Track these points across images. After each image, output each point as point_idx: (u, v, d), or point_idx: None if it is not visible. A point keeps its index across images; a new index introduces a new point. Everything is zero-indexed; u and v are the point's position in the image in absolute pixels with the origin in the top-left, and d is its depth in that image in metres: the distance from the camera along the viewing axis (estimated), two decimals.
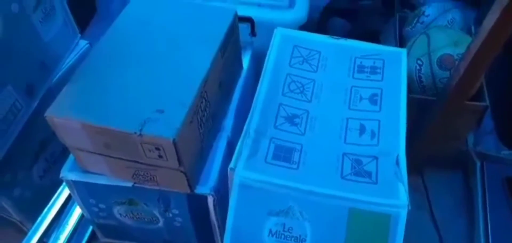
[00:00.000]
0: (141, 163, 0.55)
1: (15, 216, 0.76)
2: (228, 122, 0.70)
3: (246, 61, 0.80)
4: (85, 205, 0.67)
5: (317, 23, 1.23)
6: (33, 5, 0.63)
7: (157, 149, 0.51)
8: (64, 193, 0.75)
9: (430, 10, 0.92)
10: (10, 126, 0.63)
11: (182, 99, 0.53)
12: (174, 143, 0.50)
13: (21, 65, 0.63)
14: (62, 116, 0.51)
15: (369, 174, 0.57)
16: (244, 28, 0.81)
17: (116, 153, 0.54)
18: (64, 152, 0.82)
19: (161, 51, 0.60)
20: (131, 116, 0.51)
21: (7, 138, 0.63)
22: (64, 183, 0.76)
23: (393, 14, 1.11)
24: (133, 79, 0.56)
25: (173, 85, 0.55)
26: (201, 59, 0.59)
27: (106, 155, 0.55)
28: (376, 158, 0.59)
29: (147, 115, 0.51)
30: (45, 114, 0.51)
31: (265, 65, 0.69)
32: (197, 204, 0.63)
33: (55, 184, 0.77)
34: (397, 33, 0.96)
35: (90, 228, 0.78)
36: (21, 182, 0.73)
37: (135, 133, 0.49)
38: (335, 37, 0.74)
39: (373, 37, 1.14)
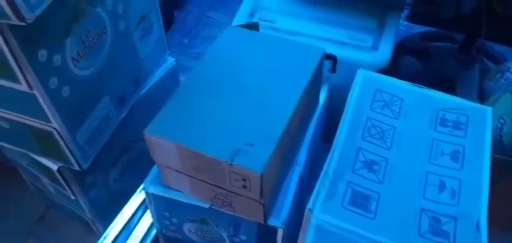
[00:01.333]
0: (224, 189, 0.57)
1: (88, 215, 0.80)
2: (302, 157, 0.71)
3: (322, 96, 0.80)
4: (158, 217, 0.69)
5: None
6: (136, 22, 0.68)
7: (244, 179, 0.53)
8: (136, 200, 0.78)
9: None
10: (101, 134, 0.67)
11: (270, 134, 0.55)
12: (261, 177, 0.51)
13: (118, 78, 0.67)
14: (159, 136, 0.54)
15: (446, 235, 0.55)
16: (325, 63, 0.82)
17: (202, 176, 0.57)
18: (138, 160, 0.86)
19: (251, 84, 0.62)
20: (223, 145, 0.53)
21: (98, 144, 0.67)
22: (137, 191, 0.80)
23: (471, 62, 1.08)
24: (225, 109, 0.58)
25: (262, 119, 0.57)
26: (289, 95, 0.60)
27: (192, 176, 0.58)
28: (455, 218, 0.57)
29: (238, 146, 0.53)
30: (144, 133, 0.54)
31: (346, 106, 0.69)
32: (265, 234, 0.64)
33: (126, 188, 0.81)
34: (478, 85, 0.93)
35: (152, 234, 0.81)
36: (98, 184, 0.78)
37: (226, 162, 0.51)
38: (418, 85, 0.73)
39: (448, 83, 1.11)
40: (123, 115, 0.72)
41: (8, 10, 0.42)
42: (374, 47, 0.83)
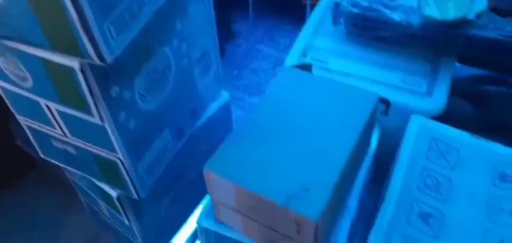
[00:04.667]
0: (277, 231, 0.57)
1: (139, 240, 0.83)
2: (353, 202, 0.70)
3: (374, 139, 0.80)
4: None
5: None
6: (197, 59, 0.71)
7: (298, 225, 0.53)
8: (186, 231, 0.80)
9: None
10: (159, 164, 0.70)
11: (326, 180, 0.55)
12: (316, 225, 0.51)
13: (178, 112, 0.70)
14: (218, 174, 0.56)
15: None
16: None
17: (256, 216, 0.57)
18: (188, 189, 0.89)
19: (306, 127, 0.62)
20: (279, 188, 0.54)
21: (155, 174, 0.70)
22: (186, 221, 0.82)
23: None
24: (281, 151, 0.59)
25: (317, 163, 0.57)
26: (344, 141, 0.60)
27: (246, 216, 0.58)
28: None
29: (294, 191, 0.53)
30: (204, 169, 0.56)
31: (400, 154, 0.68)
32: None
33: (176, 215, 0.83)
34: None
35: None
36: (151, 211, 0.80)
37: (282, 206, 0.52)
38: (476, 136, 0.71)
39: (503, 130, 1.06)
40: (179, 146, 0.74)
41: (91, 52, 0.45)
42: (429, 93, 0.82)
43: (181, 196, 0.87)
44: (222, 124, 0.88)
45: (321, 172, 0.57)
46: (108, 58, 0.47)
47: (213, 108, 0.82)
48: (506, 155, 0.69)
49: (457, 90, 1.28)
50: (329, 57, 0.90)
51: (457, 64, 1.45)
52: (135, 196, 0.67)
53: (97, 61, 0.46)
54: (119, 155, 0.60)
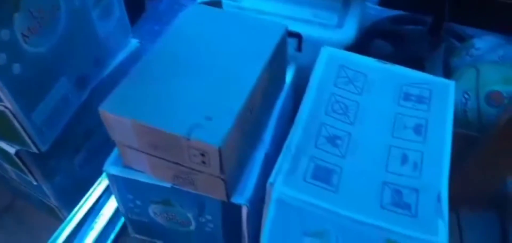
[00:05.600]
0: (184, 166, 0.56)
1: (54, 202, 0.78)
2: (267, 135, 0.70)
3: (289, 75, 0.80)
4: (121, 200, 0.68)
5: (359, 43, 1.22)
6: (93, 1, 0.66)
7: (202, 155, 0.52)
8: (101, 185, 0.77)
9: (480, 44, 0.90)
10: (60, 115, 0.65)
11: (230, 108, 0.54)
12: (220, 151, 0.50)
13: (76, 58, 0.65)
14: (114, 112, 0.53)
15: (408, 207, 0.56)
16: (291, 42, 0.82)
17: (161, 153, 0.56)
18: (104, 144, 0.84)
19: (212, 60, 0.61)
20: (180, 120, 0.52)
21: (57, 126, 0.65)
22: (102, 176, 0.79)
23: (440, 43, 1.09)
24: (184, 85, 0.57)
25: (222, 94, 0.56)
26: (249, 71, 0.60)
27: (150, 154, 0.56)
28: (417, 190, 0.57)
29: (196, 121, 0.52)
30: (99, 109, 0.53)
31: (310, 82, 0.69)
32: (230, 212, 0.63)
33: (93, 175, 0.80)
34: (444, 63, 0.94)
35: (121, 221, 0.79)
36: (63, 170, 0.76)
37: (183, 136, 0.51)
38: (382, 61, 0.73)
39: (418, 64, 1.12)
40: (84, 97, 0.70)
41: None
42: (339, 25, 0.83)
43: (97, 154, 0.83)
44: None
45: (225, 101, 0.56)
46: None
47: (120, 57, 0.77)
48: (410, 77, 0.72)
49: (377, 31, 1.33)
50: None
51: (378, 7, 1.50)
52: (35, 150, 0.63)
53: None
54: (6, 104, 0.55)
